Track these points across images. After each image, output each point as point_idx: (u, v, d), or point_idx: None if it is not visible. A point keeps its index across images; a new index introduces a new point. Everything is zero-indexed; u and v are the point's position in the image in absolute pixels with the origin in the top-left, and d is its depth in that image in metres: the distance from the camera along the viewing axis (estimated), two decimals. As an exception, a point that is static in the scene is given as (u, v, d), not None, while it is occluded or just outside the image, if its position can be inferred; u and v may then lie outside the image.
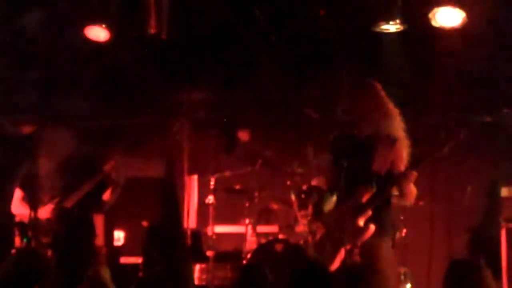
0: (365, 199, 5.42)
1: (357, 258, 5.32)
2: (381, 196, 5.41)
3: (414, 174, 5.42)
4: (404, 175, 5.38)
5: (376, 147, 5.50)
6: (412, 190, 5.49)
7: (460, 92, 8.89)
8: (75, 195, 6.76)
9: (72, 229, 6.44)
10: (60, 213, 6.51)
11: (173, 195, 9.90)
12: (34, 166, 6.73)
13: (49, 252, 6.02)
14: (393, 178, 5.41)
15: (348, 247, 5.35)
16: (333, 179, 5.71)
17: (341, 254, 5.37)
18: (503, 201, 8.34)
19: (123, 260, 9.07)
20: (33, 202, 6.41)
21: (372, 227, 5.38)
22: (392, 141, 5.44)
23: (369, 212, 5.41)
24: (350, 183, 5.49)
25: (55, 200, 6.68)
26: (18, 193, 6.88)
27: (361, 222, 5.40)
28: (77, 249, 6.39)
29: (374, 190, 5.41)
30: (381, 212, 5.50)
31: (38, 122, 8.08)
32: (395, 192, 5.52)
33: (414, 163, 5.45)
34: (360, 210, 5.42)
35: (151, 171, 9.71)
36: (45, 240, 6.37)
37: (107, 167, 7.05)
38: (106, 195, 6.89)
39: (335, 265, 5.38)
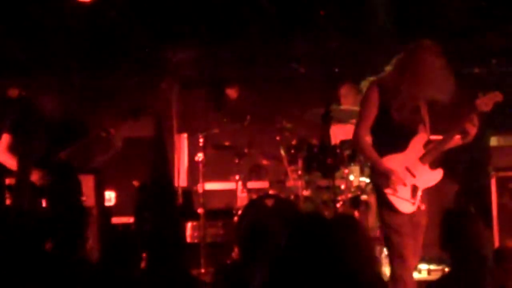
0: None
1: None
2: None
3: None
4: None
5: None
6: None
7: (447, 43, 8.84)
8: (72, 148, 6.66)
9: (62, 183, 6.37)
10: (51, 166, 6.43)
11: (163, 154, 9.88)
12: (26, 118, 6.59)
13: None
14: None
15: None
16: None
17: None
18: (492, 151, 8.36)
19: (115, 220, 9.10)
20: (23, 150, 6.30)
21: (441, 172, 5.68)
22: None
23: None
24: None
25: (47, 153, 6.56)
26: (5, 138, 6.70)
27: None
28: (68, 203, 6.35)
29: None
30: None
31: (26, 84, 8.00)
32: None
33: None
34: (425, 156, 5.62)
35: (140, 131, 9.67)
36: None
37: (112, 130, 7.00)
38: (102, 155, 6.84)
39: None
